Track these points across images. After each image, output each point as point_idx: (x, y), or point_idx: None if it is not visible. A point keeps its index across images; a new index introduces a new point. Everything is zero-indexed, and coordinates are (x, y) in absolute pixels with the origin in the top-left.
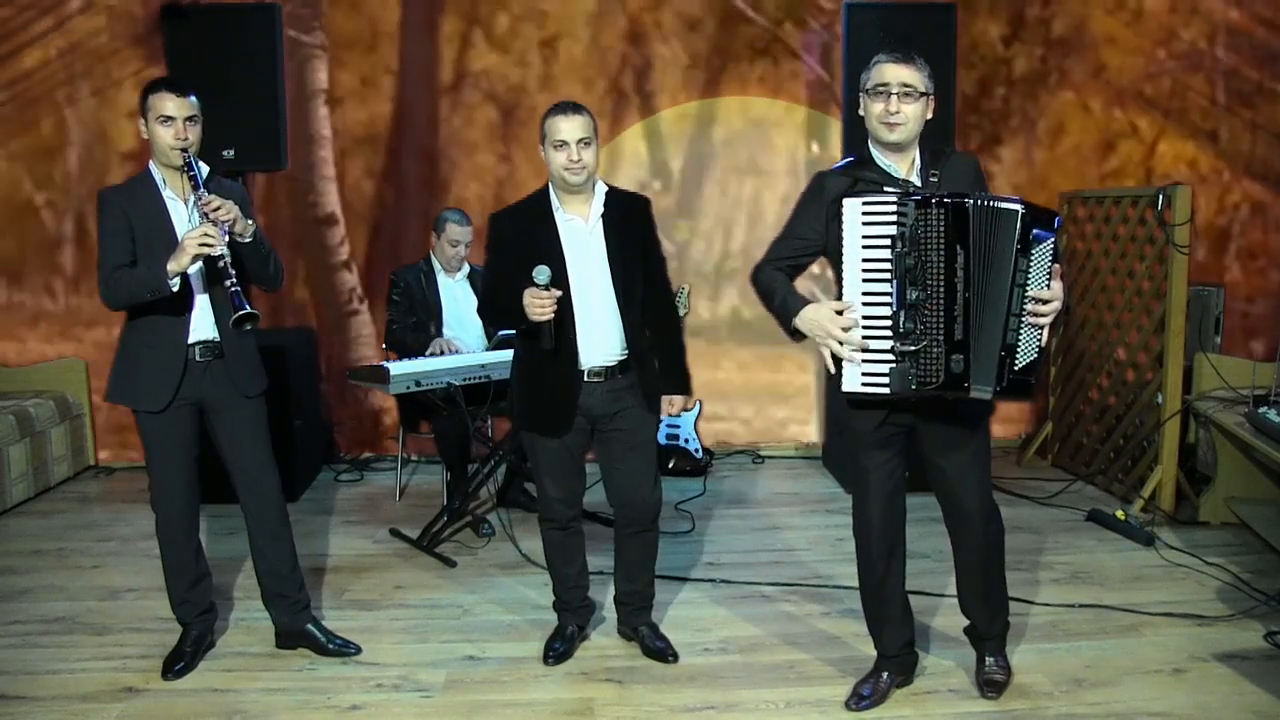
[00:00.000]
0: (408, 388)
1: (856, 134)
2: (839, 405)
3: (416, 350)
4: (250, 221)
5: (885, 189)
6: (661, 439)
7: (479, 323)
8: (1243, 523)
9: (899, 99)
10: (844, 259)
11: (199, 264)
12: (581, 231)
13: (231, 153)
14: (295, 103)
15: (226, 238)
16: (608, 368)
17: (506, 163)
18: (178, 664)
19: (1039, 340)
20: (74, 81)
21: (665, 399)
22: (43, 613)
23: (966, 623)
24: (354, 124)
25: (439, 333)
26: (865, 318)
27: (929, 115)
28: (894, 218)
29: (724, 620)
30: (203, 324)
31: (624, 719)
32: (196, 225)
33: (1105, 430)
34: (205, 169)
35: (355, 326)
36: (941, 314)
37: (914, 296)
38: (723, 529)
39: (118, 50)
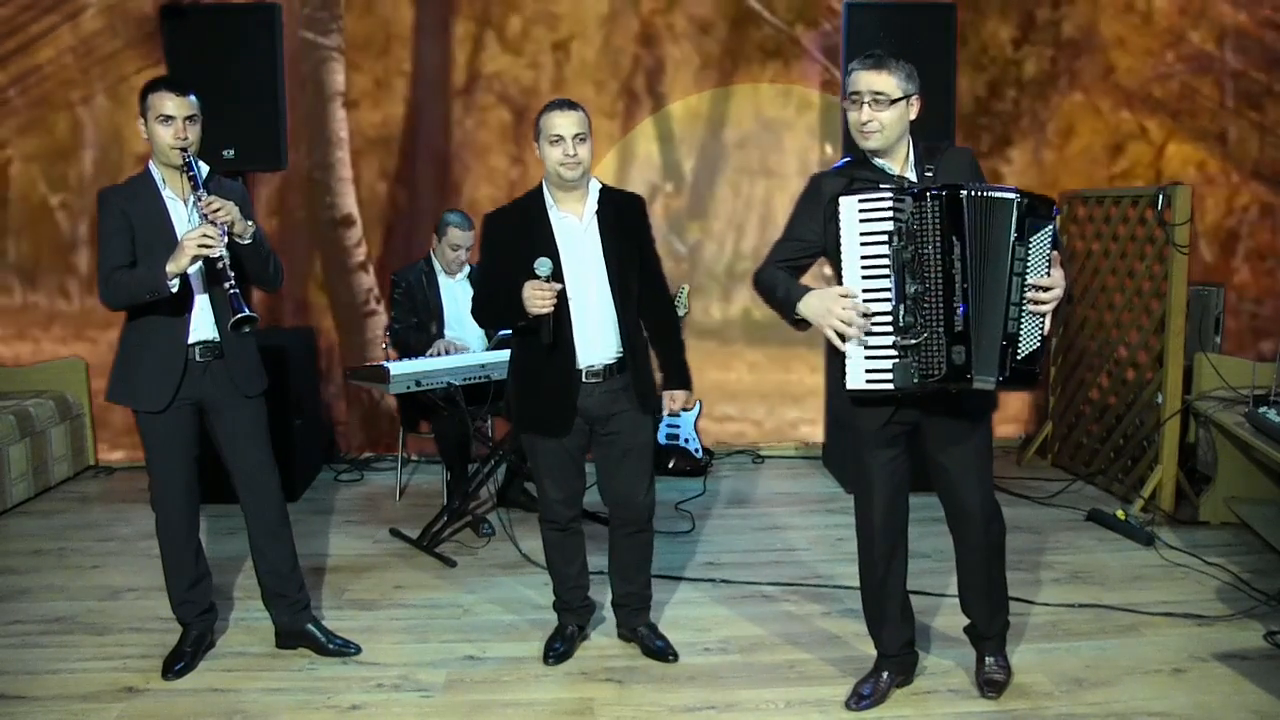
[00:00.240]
0: (408, 387)
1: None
2: (842, 404)
3: (418, 350)
4: (250, 223)
5: (880, 185)
6: (662, 439)
7: None
8: (1243, 523)
9: (871, 107)
10: (842, 257)
11: (199, 264)
12: (576, 229)
13: (231, 153)
14: (312, 105)
15: (225, 239)
16: (605, 366)
17: (519, 165)
18: (178, 664)
19: (1041, 329)
20: (89, 83)
21: (667, 395)
22: (43, 613)
23: (966, 622)
24: (367, 126)
25: (440, 333)
26: (867, 315)
27: (913, 115)
28: (890, 213)
29: (724, 620)
30: (203, 324)
31: (624, 719)
32: (196, 225)
33: (1105, 430)
34: (205, 169)
35: (372, 327)
36: (941, 306)
37: (913, 290)
38: (723, 529)
39: (124, 50)
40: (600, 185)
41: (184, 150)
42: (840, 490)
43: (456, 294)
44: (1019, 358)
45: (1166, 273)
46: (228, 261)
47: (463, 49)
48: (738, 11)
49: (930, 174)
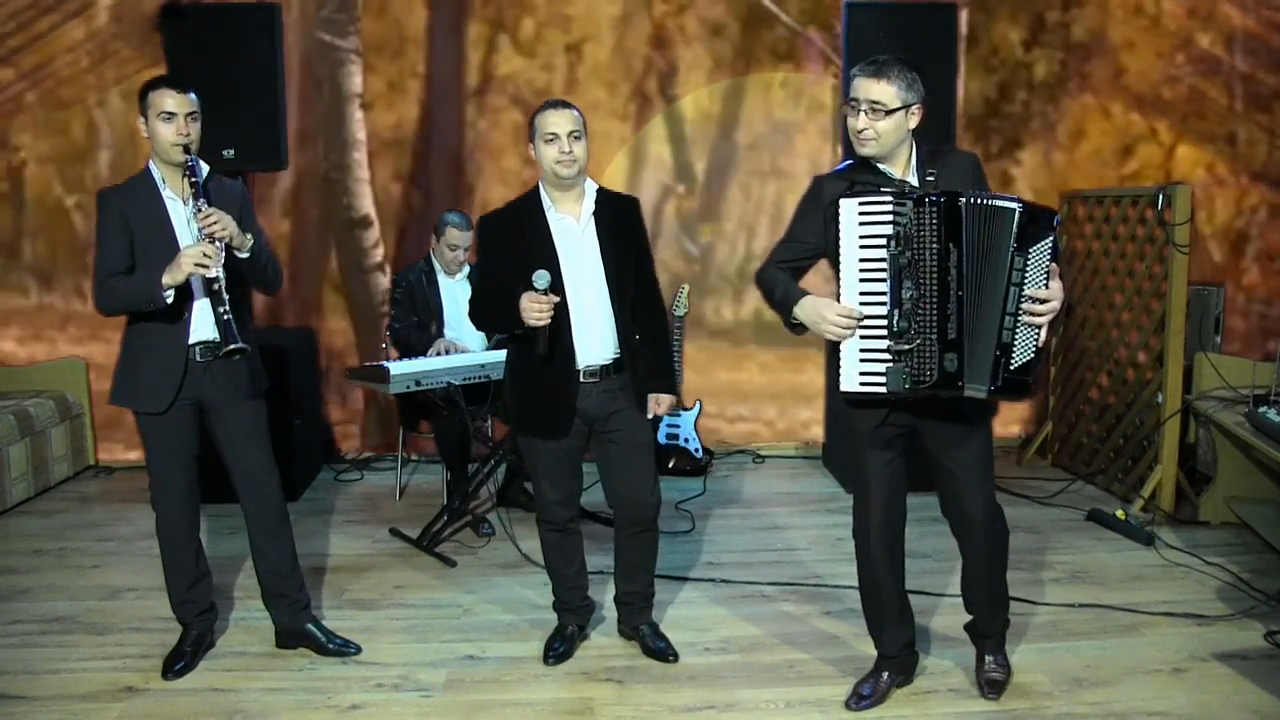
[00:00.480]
0: (408, 387)
1: None
2: (840, 404)
3: (419, 350)
4: (248, 236)
5: (881, 189)
6: (661, 438)
7: None
8: (1243, 522)
9: (867, 115)
10: (841, 259)
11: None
12: (574, 230)
13: (231, 152)
14: (330, 106)
15: (223, 256)
16: (603, 366)
17: (531, 166)
18: (178, 663)
19: (1036, 340)
20: (103, 85)
21: (652, 399)
22: (43, 613)
23: (967, 619)
24: (381, 128)
25: (440, 332)
26: (862, 318)
27: (912, 125)
28: (890, 217)
29: (724, 620)
30: (203, 325)
31: (624, 719)
32: (197, 235)
33: (1105, 430)
34: (205, 168)
35: None
36: (935, 312)
37: (908, 295)
38: (723, 529)
39: (136, 51)
40: (597, 186)
41: (186, 147)
42: (840, 490)
43: (456, 294)
44: (1012, 368)
45: (1166, 272)
46: (223, 283)
47: (476, 51)
48: (749, 13)
49: (932, 178)
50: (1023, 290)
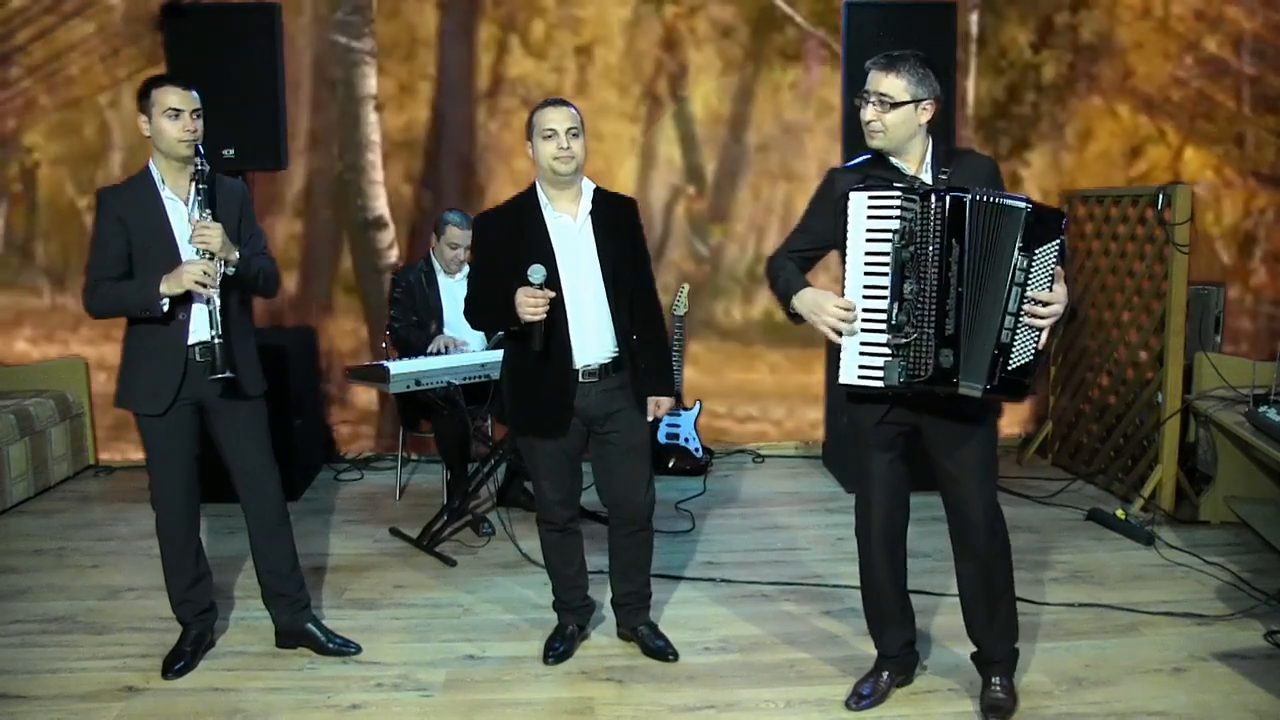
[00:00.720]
0: (408, 387)
1: (854, 135)
2: (839, 400)
3: (419, 348)
4: (236, 253)
5: (893, 184)
6: (661, 438)
7: None
8: (1243, 522)
9: (875, 107)
10: (848, 251)
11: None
12: (571, 229)
13: (231, 152)
14: (344, 107)
15: (221, 276)
16: (601, 365)
17: None
18: (178, 663)
19: (1036, 342)
20: (115, 86)
21: (652, 401)
22: (43, 612)
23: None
24: (393, 129)
25: (439, 332)
26: (866, 310)
27: (923, 120)
28: (898, 212)
29: (724, 620)
30: (202, 325)
31: (624, 718)
32: (196, 258)
33: (1105, 429)
34: (207, 167)
35: None
36: (933, 308)
37: (908, 289)
38: (722, 528)
39: (141, 51)
40: (594, 186)
41: (197, 147)
42: (840, 490)
43: (456, 293)
44: (1010, 368)
45: (1166, 272)
46: (218, 306)
47: (487, 53)
48: (759, 15)
49: (945, 177)
50: (1025, 291)
